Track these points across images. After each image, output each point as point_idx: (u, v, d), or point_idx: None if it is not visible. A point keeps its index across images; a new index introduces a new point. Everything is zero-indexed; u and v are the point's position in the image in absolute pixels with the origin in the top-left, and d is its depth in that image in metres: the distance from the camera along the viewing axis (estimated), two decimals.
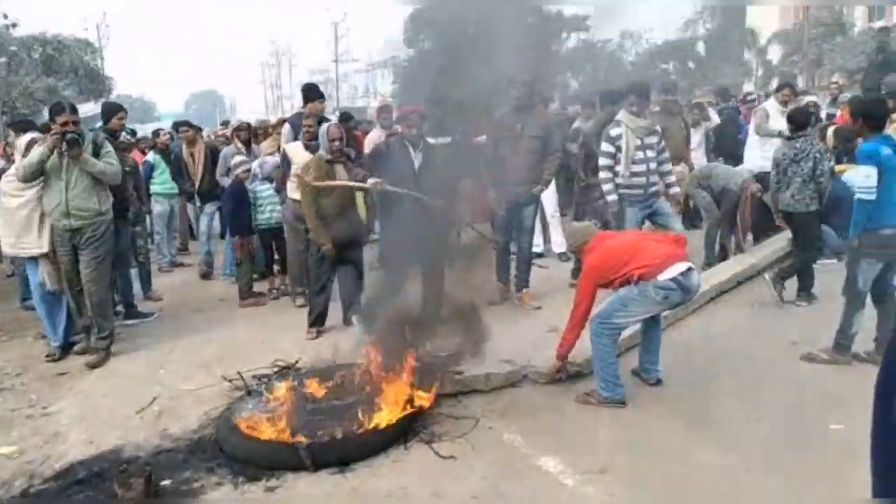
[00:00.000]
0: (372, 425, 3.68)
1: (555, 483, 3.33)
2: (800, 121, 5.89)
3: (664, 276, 3.94)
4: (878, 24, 27.39)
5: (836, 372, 4.40)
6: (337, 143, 5.32)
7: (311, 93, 7.21)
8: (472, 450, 3.63)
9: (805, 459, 3.39)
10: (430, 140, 6.06)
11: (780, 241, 7.23)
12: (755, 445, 3.56)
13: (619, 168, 5.74)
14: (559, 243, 7.75)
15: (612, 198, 5.85)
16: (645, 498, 3.18)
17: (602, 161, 5.85)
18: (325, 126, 5.52)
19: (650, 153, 5.79)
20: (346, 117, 9.33)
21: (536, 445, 3.66)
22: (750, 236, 7.37)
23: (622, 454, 3.54)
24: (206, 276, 7.87)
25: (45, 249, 5.25)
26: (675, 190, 6.14)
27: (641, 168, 5.76)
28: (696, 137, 8.33)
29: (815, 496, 3.11)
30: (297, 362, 4.74)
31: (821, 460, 3.37)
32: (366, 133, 8.71)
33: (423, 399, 3.96)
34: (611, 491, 3.22)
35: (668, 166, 6.00)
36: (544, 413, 4.07)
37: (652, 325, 4.36)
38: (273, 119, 14.71)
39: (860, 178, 4.36)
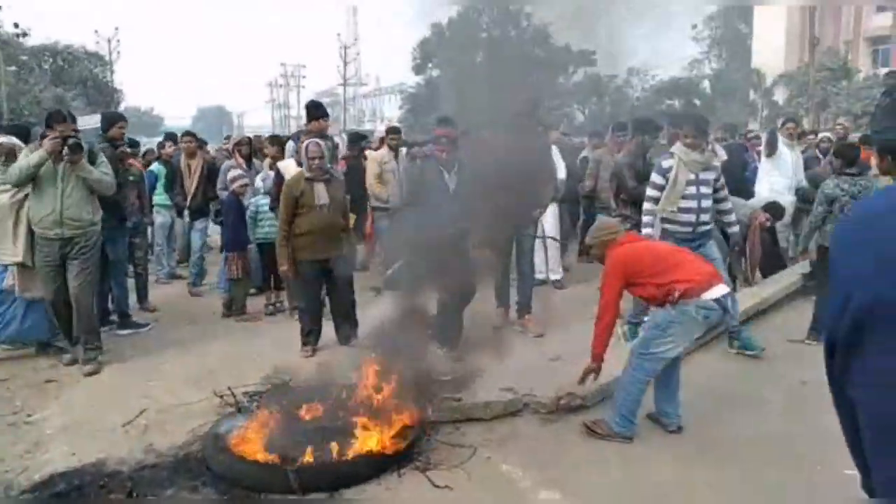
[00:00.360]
0: (365, 450, 3.53)
1: None
2: (850, 156, 5.69)
3: (708, 294, 3.72)
4: (883, 70, 27.61)
5: None
6: (317, 162, 5.25)
7: (315, 111, 7.19)
8: (469, 480, 3.48)
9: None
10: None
11: (792, 276, 7.12)
12: (768, 489, 3.41)
13: (661, 202, 5.34)
14: (555, 270, 7.65)
15: (647, 231, 5.44)
16: None
17: (649, 192, 5.47)
18: (305, 143, 5.46)
19: (704, 189, 5.33)
20: (357, 137, 9.27)
21: (536, 479, 3.51)
22: (759, 273, 7.25)
23: (627, 494, 3.39)
24: (197, 296, 7.65)
25: (20, 258, 5.12)
26: (735, 230, 5.82)
27: (691, 204, 5.30)
28: None
29: None
30: (290, 380, 4.60)
31: None
32: None
33: (419, 426, 3.81)
34: None
35: (727, 205, 5.63)
36: (545, 445, 3.92)
37: (670, 365, 3.99)
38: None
39: None
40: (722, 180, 5.56)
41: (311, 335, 5.42)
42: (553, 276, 7.61)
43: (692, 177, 5.30)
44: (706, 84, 40.22)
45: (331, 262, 5.32)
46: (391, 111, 50.11)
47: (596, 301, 4.05)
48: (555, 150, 7.58)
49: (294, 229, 5.27)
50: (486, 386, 4.44)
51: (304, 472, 3.36)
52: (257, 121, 64.13)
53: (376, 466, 3.50)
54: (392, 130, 8.09)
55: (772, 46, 36.11)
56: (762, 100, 34.72)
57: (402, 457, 3.61)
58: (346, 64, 51.58)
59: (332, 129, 10.43)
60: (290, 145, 7.41)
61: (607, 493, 3.37)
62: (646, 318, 4.87)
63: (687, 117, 5.76)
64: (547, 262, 7.69)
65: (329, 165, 5.71)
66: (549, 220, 7.37)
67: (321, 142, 5.51)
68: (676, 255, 3.98)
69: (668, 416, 4.08)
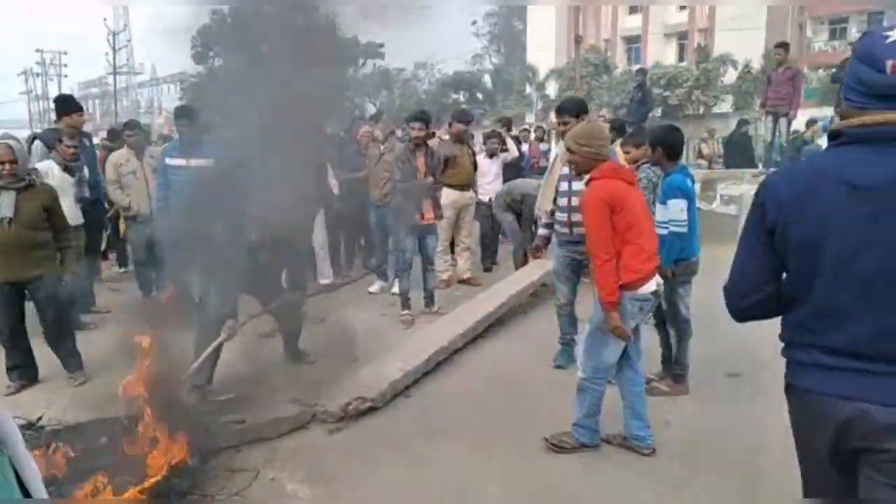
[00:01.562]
0: (120, 492, 3.11)
1: None
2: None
3: (645, 288, 3.51)
4: (636, 66, 30.90)
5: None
6: (7, 167, 4.49)
7: (67, 105, 6.39)
8: None
9: (601, 486, 3.44)
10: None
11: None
12: (554, 482, 3.56)
13: (538, 199, 4.97)
14: (326, 274, 7.50)
15: (542, 232, 5.21)
16: None
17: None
18: None
19: (578, 185, 4.33)
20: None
21: (321, 495, 3.34)
22: None
23: (418, 497, 3.34)
24: None
25: None
26: None
27: (563, 202, 4.75)
28: (494, 168, 8.18)
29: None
30: (39, 419, 3.98)
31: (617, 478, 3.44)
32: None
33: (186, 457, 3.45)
34: None
35: None
36: (332, 457, 3.74)
37: (630, 375, 3.71)
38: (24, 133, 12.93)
39: (673, 212, 4.20)
40: None
41: (15, 369, 4.78)
42: (323, 281, 7.44)
43: (566, 171, 4.65)
44: (487, 78, 42.33)
45: (31, 285, 4.66)
46: (170, 102, 46.67)
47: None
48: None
49: None
50: (271, 400, 4.19)
51: None
52: (9, 114, 56.32)
53: None
54: (129, 126, 6.99)
55: (543, 43, 38.95)
56: (537, 93, 37.27)
57: (171, 492, 3.24)
58: (115, 51, 47.12)
59: (103, 122, 9.24)
60: (36, 146, 6.51)
61: (391, 500, 3.29)
62: (577, 337, 4.72)
63: (566, 101, 5.29)
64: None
65: (31, 172, 4.81)
66: (316, 224, 7.08)
67: (14, 143, 4.66)
68: (641, 230, 3.50)
69: (641, 440, 3.70)
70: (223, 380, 4.43)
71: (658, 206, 4.45)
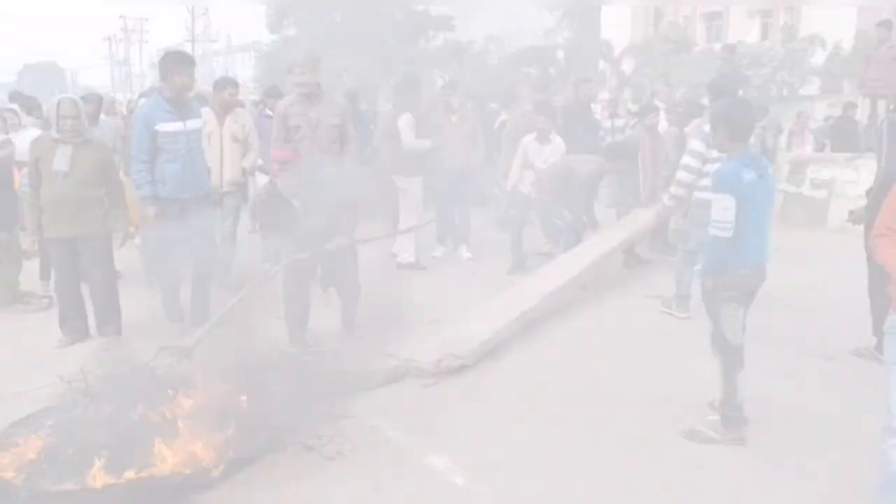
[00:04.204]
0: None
1: (444, 483, 3.17)
2: None
3: None
4: (717, 45, 29.75)
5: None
6: (70, 122, 4.56)
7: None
8: (356, 450, 3.39)
9: (682, 454, 3.47)
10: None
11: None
12: (644, 441, 3.60)
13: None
14: (406, 250, 7.05)
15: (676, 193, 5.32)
16: (537, 494, 3.10)
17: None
18: (55, 99, 4.76)
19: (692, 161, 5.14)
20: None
21: (423, 443, 3.49)
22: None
23: (512, 449, 3.44)
24: None
25: None
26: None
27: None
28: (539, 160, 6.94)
29: (682, 482, 3.17)
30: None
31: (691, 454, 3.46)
32: None
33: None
34: (502, 488, 3.11)
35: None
36: (429, 409, 3.89)
37: None
38: (120, 96, 13.55)
39: (715, 210, 3.38)
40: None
41: (66, 323, 4.88)
42: (403, 258, 7.01)
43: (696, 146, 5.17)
44: (560, 53, 41.58)
45: (81, 241, 4.72)
46: (244, 71, 47.66)
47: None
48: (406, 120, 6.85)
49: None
50: (367, 353, 4.36)
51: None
52: (95, 79, 58.53)
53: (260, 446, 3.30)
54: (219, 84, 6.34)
55: (619, 19, 37.98)
56: (611, 69, 36.42)
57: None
58: (194, 18, 48.32)
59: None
60: (142, 103, 6.83)
61: (493, 452, 3.40)
62: None
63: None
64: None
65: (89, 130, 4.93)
66: (411, 196, 7.05)
67: (77, 100, 4.80)
68: None
69: None
70: (317, 334, 4.65)
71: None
